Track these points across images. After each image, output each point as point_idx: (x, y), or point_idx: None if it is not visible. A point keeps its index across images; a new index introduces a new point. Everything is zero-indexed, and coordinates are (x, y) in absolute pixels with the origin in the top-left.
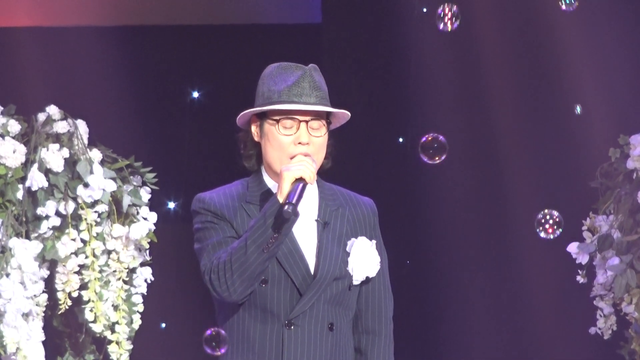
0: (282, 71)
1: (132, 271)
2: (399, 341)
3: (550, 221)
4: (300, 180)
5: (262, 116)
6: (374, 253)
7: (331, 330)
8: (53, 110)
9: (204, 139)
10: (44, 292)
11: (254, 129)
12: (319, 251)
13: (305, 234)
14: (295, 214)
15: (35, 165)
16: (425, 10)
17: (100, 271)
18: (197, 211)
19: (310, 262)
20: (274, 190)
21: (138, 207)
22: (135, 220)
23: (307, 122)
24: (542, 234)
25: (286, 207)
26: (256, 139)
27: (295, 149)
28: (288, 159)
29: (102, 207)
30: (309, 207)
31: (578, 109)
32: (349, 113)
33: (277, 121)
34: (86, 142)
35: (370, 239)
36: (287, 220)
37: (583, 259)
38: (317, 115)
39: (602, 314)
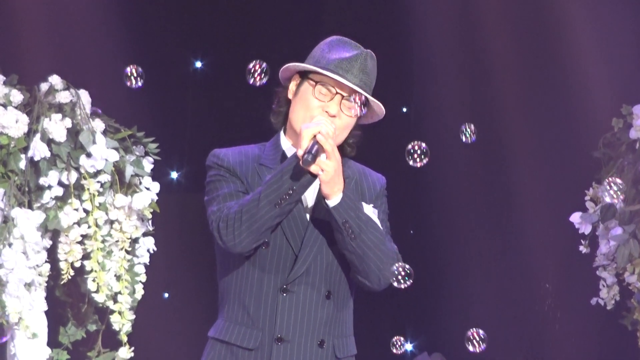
0: (341, 44)
1: (134, 241)
2: (401, 311)
3: (419, 151)
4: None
5: (304, 76)
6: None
7: (328, 299)
8: (55, 80)
9: (206, 108)
10: (46, 262)
11: (292, 85)
12: (314, 212)
13: (311, 201)
14: (309, 163)
15: (38, 135)
16: None
17: (103, 241)
18: (211, 165)
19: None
20: (289, 154)
21: (140, 177)
22: (137, 190)
23: (342, 97)
24: (411, 162)
25: (305, 156)
26: (289, 95)
27: (320, 115)
28: (309, 120)
29: (105, 177)
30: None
31: None
32: (383, 109)
33: (316, 83)
34: (89, 112)
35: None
36: (305, 175)
37: (586, 229)
38: (353, 97)
39: (605, 284)
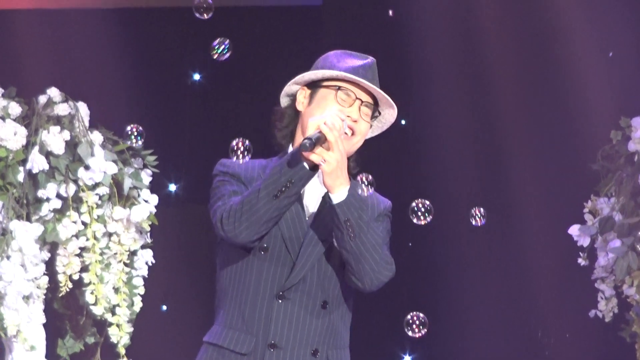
0: (347, 55)
1: (133, 254)
2: (399, 323)
3: (422, 209)
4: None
5: (317, 85)
6: None
7: (324, 308)
8: (54, 92)
9: (204, 121)
10: (44, 274)
11: (300, 97)
12: (314, 221)
13: (312, 209)
14: (310, 147)
15: (36, 148)
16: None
17: (101, 254)
18: (216, 174)
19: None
20: None
21: (139, 190)
22: (136, 202)
23: (362, 102)
24: (415, 220)
25: (304, 140)
26: (299, 107)
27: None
28: None
29: (103, 190)
30: (324, 191)
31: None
32: (394, 117)
33: (338, 89)
34: (87, 124)
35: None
36: (304, 168)
37: (584, 242)
38: (370, 104)
39: (603, 297)
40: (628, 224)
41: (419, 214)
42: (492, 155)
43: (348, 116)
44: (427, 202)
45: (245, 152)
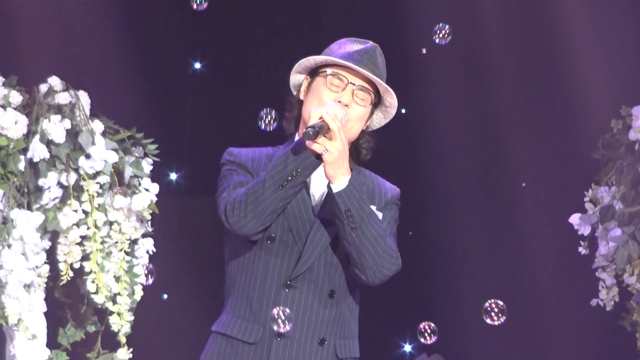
0: (350, 41)
1: (133, 242)
2: (400, 312)
3: (496, 309)
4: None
5: (315, 73)
6: None
7: (331, 298)
8: (55, 81)
9: (205, 110)
10: (45, 263)
11: (303, 86)
12: (321, 211)
13: (318, 200)
14: (312, 135)
15: (37, 137)
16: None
17: (102, 242)
18: (224, 162)
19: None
20: None
21: (140, 179)
22: (137, 191)
23: (354, 87)
24: (488, 321)
25: (307, 129)
26: (301, 96)
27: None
28: None
29: (104, 179)
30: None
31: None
32: (395, 100)
33: (327, 75)
34: (88, 113)
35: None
36: (309, 157)
37: (585, 230)
38: (366, 89)
39: (604, 285)
40: (629, 212)
41: (492, 314)
42: (493, 144)
43: (339, 101)
44: (501, 303)
45: (272, 121)
